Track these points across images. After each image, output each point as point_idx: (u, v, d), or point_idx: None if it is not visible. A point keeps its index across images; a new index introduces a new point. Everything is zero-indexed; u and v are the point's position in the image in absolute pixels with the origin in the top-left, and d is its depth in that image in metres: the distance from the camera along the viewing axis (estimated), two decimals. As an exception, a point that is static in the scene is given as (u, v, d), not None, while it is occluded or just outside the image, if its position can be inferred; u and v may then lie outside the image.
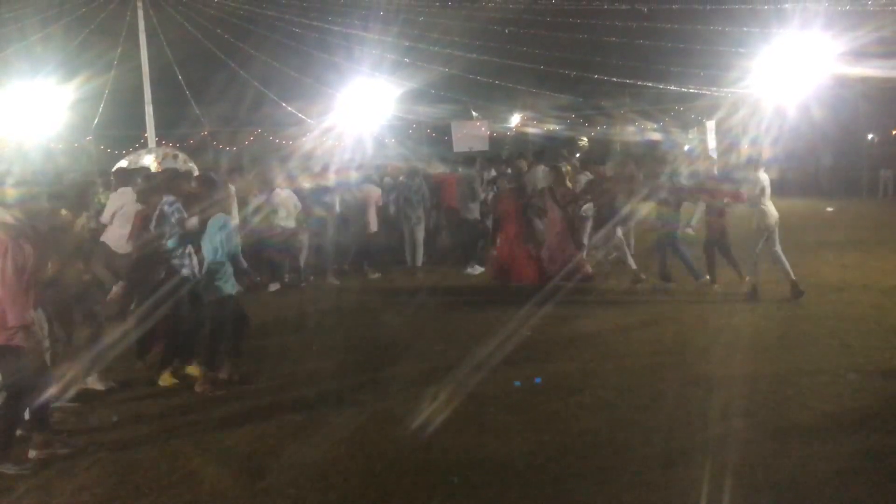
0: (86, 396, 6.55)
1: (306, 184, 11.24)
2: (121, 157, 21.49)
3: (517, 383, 6.39)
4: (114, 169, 12.69)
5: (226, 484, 4.86)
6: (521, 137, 35.40)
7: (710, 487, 4.45)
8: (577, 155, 28.39)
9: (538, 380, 6.35)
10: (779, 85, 21.64)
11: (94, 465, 5.19)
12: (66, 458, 5.26)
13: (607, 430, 5.38)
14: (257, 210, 9.37)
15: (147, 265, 7.11)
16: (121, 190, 8.85)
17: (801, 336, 7.65)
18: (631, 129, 32.64)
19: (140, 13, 22.89)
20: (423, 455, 5.11)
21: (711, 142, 27.18)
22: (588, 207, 11.43)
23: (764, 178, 9.13)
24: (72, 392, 6.18)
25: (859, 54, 19.58)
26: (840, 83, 22.72)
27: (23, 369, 5.04)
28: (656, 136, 31.75)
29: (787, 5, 20.38)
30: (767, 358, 6.96)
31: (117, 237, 8.27)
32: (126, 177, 9.35)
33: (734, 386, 6.11)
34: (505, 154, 21.60)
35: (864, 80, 22.49)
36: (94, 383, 6.80)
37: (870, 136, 31.67)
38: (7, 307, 4.90)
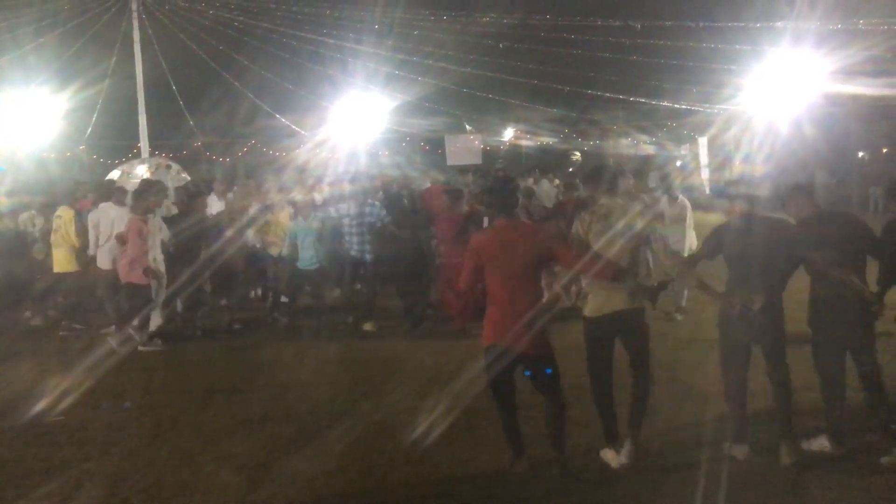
0: (86, 395, 6.53)
1: (299, 196, 11.18)
2: (114, 166, 21.47)
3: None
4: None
5: (216, 496, 4.83)
6: (514, 151, 35.49)
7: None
8: (570, 169, 28.47)
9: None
10: (771, 102, 21.81)
11: (83, 476, 5.15)
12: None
13: (599, 445, 5.36)
14: (252, 222, 9.35)
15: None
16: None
17: (799, 351, 7.62)
18: (624, 142, 32.79)
19: (135, 24, 22.93)
20: (414, 469, 5.09)
21: (704, 158, 27.36)
22: None
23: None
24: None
25: (850, 73, 19.75)
26: (831, 101, 22.91)
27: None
28: (650, 150, 31.92)
29: (778, 23, 20.56)
30: (763, 373, 6.93)
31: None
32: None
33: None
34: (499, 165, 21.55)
35: (855, 99, 22.67)
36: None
37: (860, 154, 31.87)
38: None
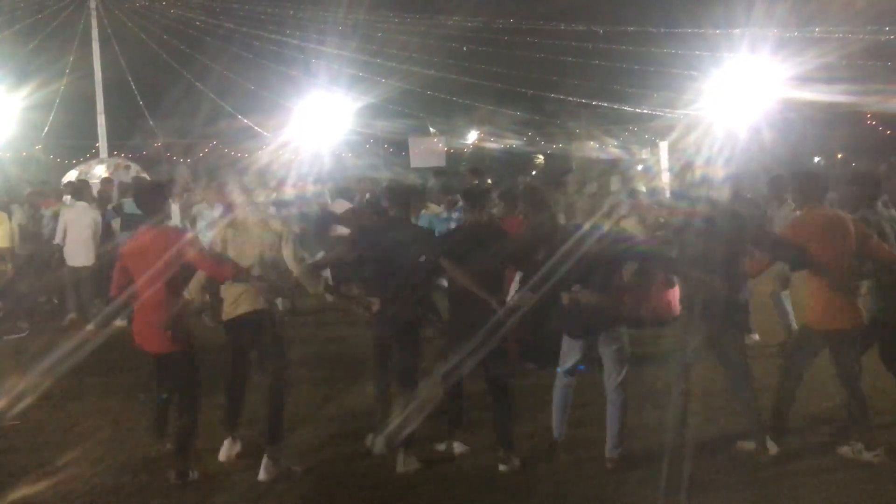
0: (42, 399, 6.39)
1: (261, 197, 11.04)
2: (71, 167, 21.08)
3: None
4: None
5: (176, 500, 4.77)
6: (478, 153, 35.57)
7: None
8: (534, 172, 28.63)
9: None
10: (730, 107, 22.17)
11: (39, 481, 5.05)
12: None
13: (569, 444, 5.38)
14: (212, 224, 9.24)
15: None
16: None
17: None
18: (589, 145, 33.04)
19: (94, 21, 22.54)
20: (382, 474, 5.07)
21: (664, 162, 27.69)
22: None
23: None
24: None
25: (805, 79, 20.16)
26: (788, 107, 23.36)
27: None
28: (616, 153, 32.22)
29: (736, 30, 20.95)
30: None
31: None
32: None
33: (694, 402, 6.10)
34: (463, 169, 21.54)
35: (811, 105, 23.15)
36: None
37: (816, 160, 32.52)
38: None
